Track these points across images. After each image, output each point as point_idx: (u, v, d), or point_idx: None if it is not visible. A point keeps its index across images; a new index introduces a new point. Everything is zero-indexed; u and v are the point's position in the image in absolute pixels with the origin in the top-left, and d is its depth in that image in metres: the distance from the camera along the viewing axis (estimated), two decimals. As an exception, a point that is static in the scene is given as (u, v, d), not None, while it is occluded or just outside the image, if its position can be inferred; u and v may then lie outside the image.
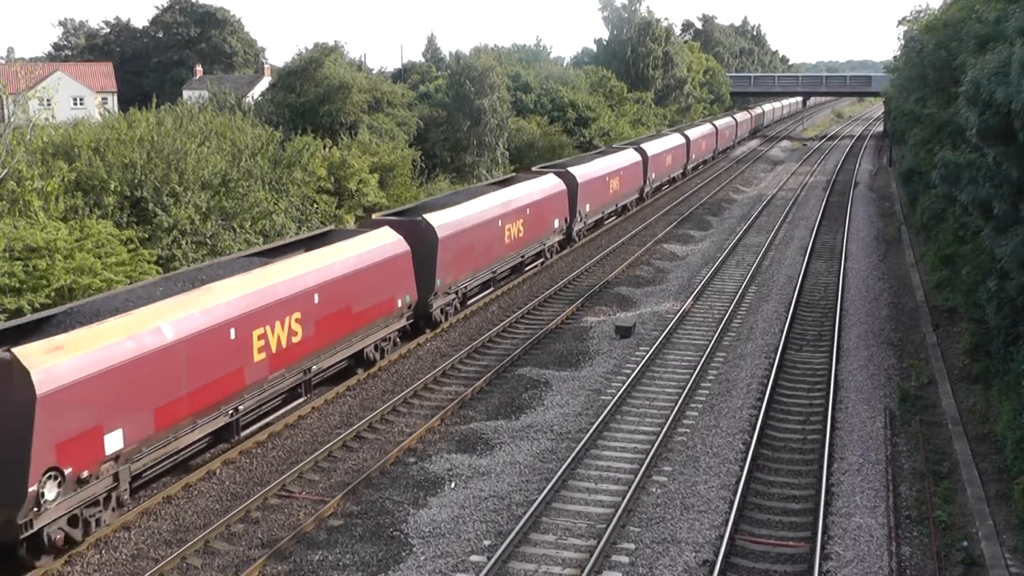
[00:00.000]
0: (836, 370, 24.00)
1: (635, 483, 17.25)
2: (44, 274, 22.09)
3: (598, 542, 15.20)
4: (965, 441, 19.34)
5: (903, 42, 42.79)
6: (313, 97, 44.52)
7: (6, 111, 30.63)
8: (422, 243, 26.10)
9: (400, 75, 67.00)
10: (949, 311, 27.83)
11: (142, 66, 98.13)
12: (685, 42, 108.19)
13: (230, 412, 18.62)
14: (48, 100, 63.05)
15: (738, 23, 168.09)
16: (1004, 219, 18.29)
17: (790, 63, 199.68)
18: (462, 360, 25.21)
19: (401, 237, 25.23)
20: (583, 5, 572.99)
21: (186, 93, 73.27)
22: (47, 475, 14.25)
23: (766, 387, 22.52)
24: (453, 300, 28.56)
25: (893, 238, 43.16)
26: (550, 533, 15.84)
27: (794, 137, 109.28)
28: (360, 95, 45.32)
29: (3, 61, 67.08)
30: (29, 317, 17.43)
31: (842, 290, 32.94)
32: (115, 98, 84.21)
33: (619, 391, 22.19)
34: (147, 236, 27.28)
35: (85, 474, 15.03)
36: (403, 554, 15.24)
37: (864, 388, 22.93)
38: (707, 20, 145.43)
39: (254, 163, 32.87)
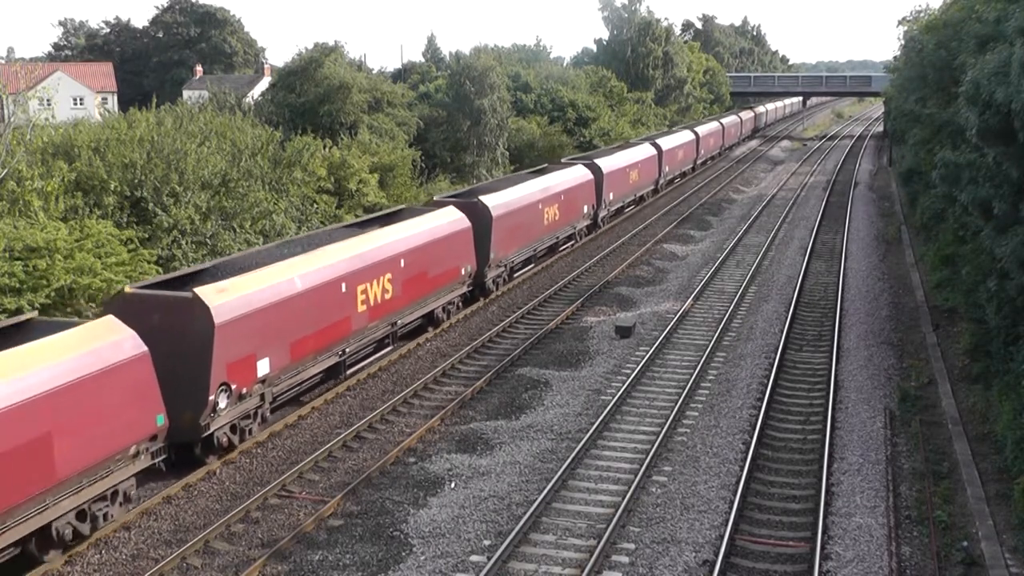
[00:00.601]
0: (836, 370, 24.01)
1: (635, 483, 17.25)
2: (44, 274, 22.08)
3: (598, 542, 15.20)
4: (965, 441, 19.34)
5: (903, 42, 42.79)
6: (313, 97, 44.51)
7: (6, 111, 30.63)
8: (479, 221, 29.73)
9: (400, 75, 67.00)
10: (949, 311, 27.83)
11: (142, 66, 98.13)
12: (685, 42, 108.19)
13: (339, 352, 22.43)
14: (48, 100, 63.06)
15: (738, 23, 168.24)
16: (1004, 219, 18.28)
17: (790, 63, 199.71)
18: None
19: (464, 215, 28.91)
20: (583, 5, 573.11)
21: (186, 93, 73.27)
22: (220, 388, 18.16)
23: (766, 387, 22.53)
24: (502, 272, 32.44)
25: (893, 238, 43.16)
26: (550, 533, 15.84)
27: (794, 137, 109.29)
28: (360, 95, 45.32)
29: (3, 61, 67.08)
30: (185, 270, 21.70)
31: (842, 290, 32.95)
32: (115, 98, 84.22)
33: (619, 391, 22.19)
34: (147, 236, 27.27)
35: (244, 391, 18.96)
36: (403, 554, 15.24)
37: (864, 388, 22.93)
38: (707, 20, 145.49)
39: (254, 163, 32.87)
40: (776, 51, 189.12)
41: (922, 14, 43.20)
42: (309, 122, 42.84)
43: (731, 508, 16.48)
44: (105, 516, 15.70)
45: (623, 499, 16.61)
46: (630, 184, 49.66)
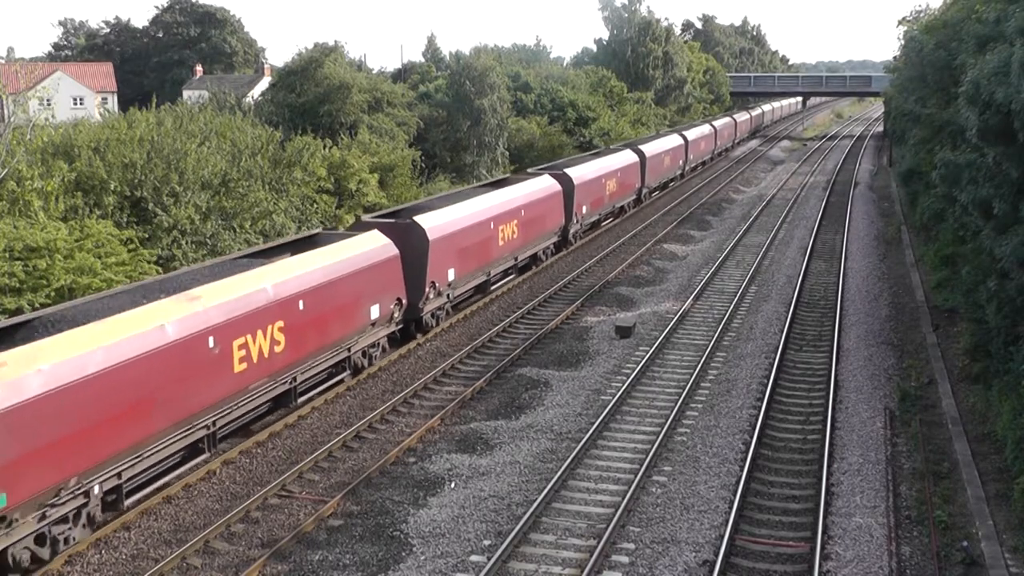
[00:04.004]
0: (836, 370, 24.01)
1: (635, 483, 17.25)
2: (44, 274, 22.10)
3: (598, 542, 15.20)
4: (965, 441, 19.34)
5: (903, 42, 42.73)
6: (313, 97, 44.54)
7: (6, 111, 30.62)
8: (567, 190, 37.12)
9: (400, 75, 66.97)
10: (949, 311, 27.83)
11: (142, 66, 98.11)
12: (685, 42, 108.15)
13: (487, 274, 30.94)
14: (48, 100, 63.01)
15: (738, 23, 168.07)
16: (1004, 219, 18.28)
17: (790, 63, 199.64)
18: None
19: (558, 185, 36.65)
20: (583, 5, 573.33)
21: (186, 93, 73.30)
22: (430, 284, 26.16)
23: (766, 387, 22.53)
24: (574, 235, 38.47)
25: (893, 238, 43.16)
26: (550, 533, 15.84)
27: (794, 137, 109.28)
28: (360, 95, 45.34)
29: (3, 61, 67.02)
30: (402, 205, 30.96)
31: (842, 290, 32.95)
32: (115, 98, 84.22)
33: (619, 391, 22.19)
34: (147, 236, 27.30)
35: (441, 289, 26.70)
36: (403, 554, 15.24)
37: (864, 388, 22.93)
38: (707, 20, 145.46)
39: (254, 163, 32.88)
40: (776, 51, 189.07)
41: (922, 14, 43.28)
42: (309, 122, 42.86)
43: (731, 508, 16.48)
44: (371, 359, 24.14)
45: (623, 499, 16.60)
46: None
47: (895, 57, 51.98)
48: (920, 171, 35.39)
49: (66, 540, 14.94)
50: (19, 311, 21.23)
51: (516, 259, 33.77)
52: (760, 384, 23.09)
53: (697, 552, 15.22)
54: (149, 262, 25.94)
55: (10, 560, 14.03)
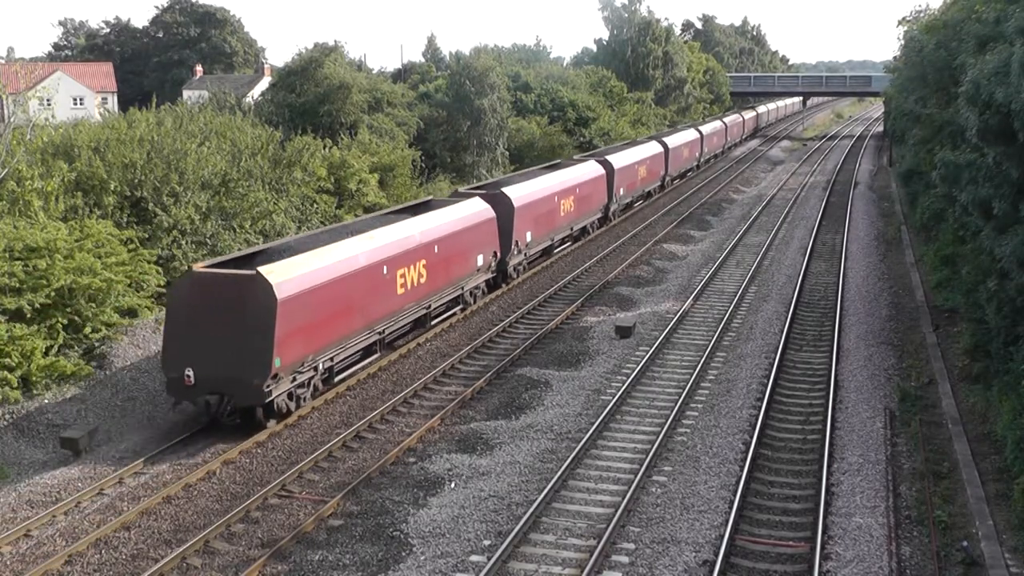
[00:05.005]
0: (836, 370, 24.00)
1: (635, 483, 17.25)
2: (44, 274, 22.07)
3: (598, 542, 15.20)
4: (965, 441, 19.33)
5: (903, 42, 42.75)
6: (313, 97, 44.50)
7: (6, 111, 30.62)
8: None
9: (400, 75, 66.98)
10: (949, 311, 27.83)
11: (142, 66, 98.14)
12: (685, 42, 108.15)
13: (551, 239, 37.72)
14: (48, 100, 63.03)
15: (738, 23, 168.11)
16: (1004, 219, 18.29)
17: (790, 63, 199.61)
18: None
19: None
20: (583, 5, 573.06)
21: (186, 93, 73.29)
22: (514, 243, 32.74)
23: (766, 387, 22.53)
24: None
25: (893, 238, 43.16)
26: (550, 533, 15.84)
27: (794, 137, 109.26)
28: (360, 95, 45.31)
29: (3, 61, 67.03)
30: (488, 181, 39.34)
31: (842, 290, 32.94)
32: (115, 98, 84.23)
33: (619, 391, 22.19)
34: (147, 236, 27.28)
35: (520, 248, 33.61)
36: (403, 554, 15.24)
37: (864, 388, 22.93)
38: (707, 20, 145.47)
39: (254, 163, 32.86)
40: (776, 51, 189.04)
41: (922, 14, 43.24)
42: (309, 122, 42.82)
43: (731, 508, 16.48)
44: (475, 298, 30.56)
45: (623, 499, 16.61)
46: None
47: (895, 57, 51.96)
48: (920, 171, 35.42)
49: (300, 400, 21.20)
50: (19, 311, 21.25)
51: (572, 228, 40.37)
52: (760, 384, 23.09)
53: (697, 552, 15.22)
54: (149, 262, 25.93)
55: (275, 407, 20.18)
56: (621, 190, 46.94)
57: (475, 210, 30.16)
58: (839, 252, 40.00)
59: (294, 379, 20.55)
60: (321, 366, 21.57)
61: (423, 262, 25.86)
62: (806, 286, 33.86)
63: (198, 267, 20.50)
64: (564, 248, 39.81)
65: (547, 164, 45.67)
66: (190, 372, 19.74)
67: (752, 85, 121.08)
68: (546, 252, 37.92)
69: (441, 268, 27.06)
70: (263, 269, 19.67)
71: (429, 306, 26.94)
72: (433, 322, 27.52)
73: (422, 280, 25.85)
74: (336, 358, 22.23)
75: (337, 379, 22.62)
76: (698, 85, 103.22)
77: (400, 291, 24.66)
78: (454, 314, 28.84)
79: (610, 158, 45.78)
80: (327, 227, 27.70)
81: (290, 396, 20.69)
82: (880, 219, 49.32)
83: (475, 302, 30.47)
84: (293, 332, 19.91)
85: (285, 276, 19.93)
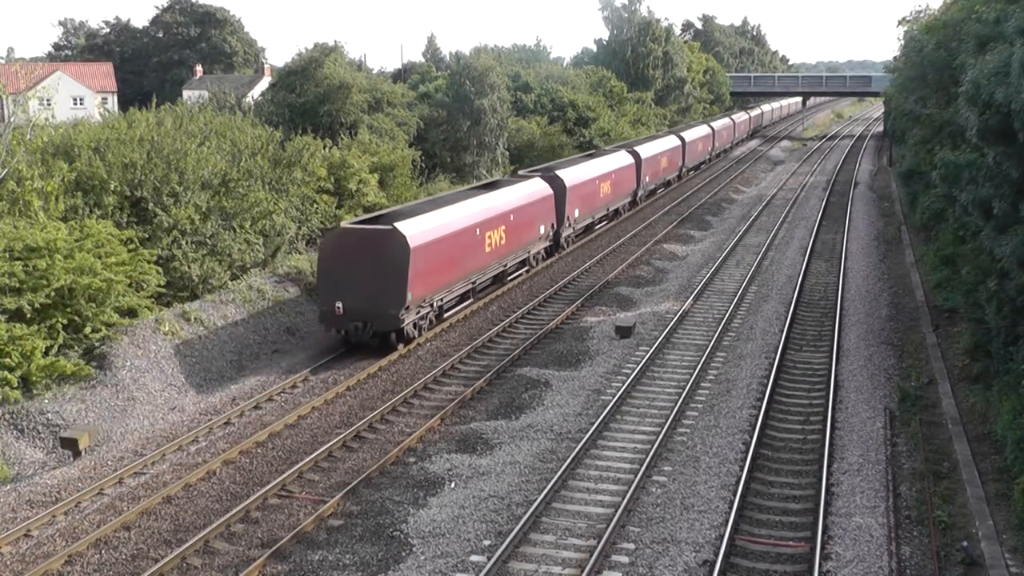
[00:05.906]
0: (836, 370, 24.00)
1: (635, 483, 17.25)
2: (44, 274, 22.05)
3: (598, 542, 15.20)
4: (965, 441, 19.33)
5: (903, 42, 42.81)
6: (313, 97, 44.44)
7: (6, 111, 30.61)
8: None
9: (400, 75, 66.95)
10: (949, 311, 27.83)
11: (142, 66, 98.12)
12: (685, 42, 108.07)
13: (591, 218, 43.27)
14: (48, 100, 63.04)
15: (738, 23, 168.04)
16: (1004, 219, 18.28)
17: (790, 63, 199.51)
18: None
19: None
20: (583, 5, 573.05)
21: (186, 93, 73.29)
22: (566, 218, 38.70)
23: (766, 387, 22.53)
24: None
25: (893, 238, 43.15)
26: (550, 533, 15.84)
27: (794, 137, 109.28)
28: (360, 95, 45.26)
29: (3, 61, 67.05)
30: (545, 165, 44.51)
31: (842, 290, 32.94)
32: (115, 98, 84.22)
33: (619, 391, 22.19)
34: (147, 236, 27.25)
35: (570, 222, 39.26)
36: (403, 554, 15.24)
37: (864, 388, 22.93)
38: (707, 20, 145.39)
39: (254, 163, 32.82)
40: (776, 51, 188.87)
41: (922, 14, 43.25)
42: (309, 122, 42.78)
43: (731, 508, 16.48)
44: (537, 261, 36.56)
45: (623, 499, 16.61)
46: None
47: (895, 57, 51.98)
48: (920, 171, 35.40)
49: (421, 329, 27.00)
50: (19, 311, 21.25)
51: (608, 209, 46.45)
52: (760, 384, 23.09)
53: (697, 552, 15.22)
54: (149, 262, 25.90)
55: (405, 332, 25.83)
56: (647, 177, 52.96)
57: (537, 188, 36.06)
58: (839, 252, 40.00)
59: (418, 312, 26.40)
60: (435, 304, 27.55)
61: (503, 227, 31.70)
62: (806, 286, 33.86)
63: (345, 224, 26.73)
64: (603, 225, 45.95)
65: (586, 153, 53.36)
66: (340, 305, 25.16)
67: (752, 85, 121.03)
68: (588, 228, 43.98)
69: (515, 234, 33.02)
70: (399, 225, 25.38)
71: (505, 265, 32.98)
72: (508, 278, 33.69)
73: (502, 242, 31.82)
74: (445, 300, 28.31)
75: (446, 316, 28.68)
76: (698, 85, 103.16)
77: (487, 249, 30.58)
78: (521, 274, 34.97)
79: (638, 148, 52.06)
80: (424, 199, 34.41)
81: (414, 326, 26.34)
82: (880, 219, 49.32)
83: (537, 264, 36.63)
84: (419, 274, 25.64)
85: (414, 231, 25.70)
